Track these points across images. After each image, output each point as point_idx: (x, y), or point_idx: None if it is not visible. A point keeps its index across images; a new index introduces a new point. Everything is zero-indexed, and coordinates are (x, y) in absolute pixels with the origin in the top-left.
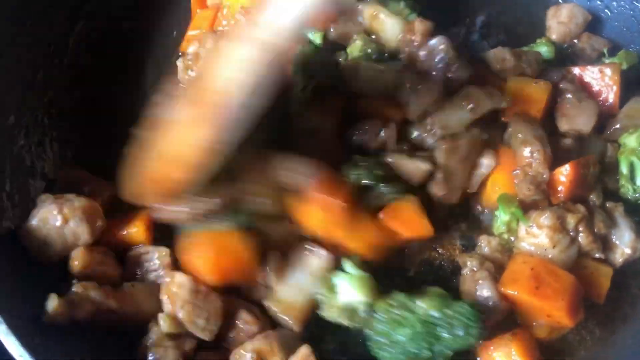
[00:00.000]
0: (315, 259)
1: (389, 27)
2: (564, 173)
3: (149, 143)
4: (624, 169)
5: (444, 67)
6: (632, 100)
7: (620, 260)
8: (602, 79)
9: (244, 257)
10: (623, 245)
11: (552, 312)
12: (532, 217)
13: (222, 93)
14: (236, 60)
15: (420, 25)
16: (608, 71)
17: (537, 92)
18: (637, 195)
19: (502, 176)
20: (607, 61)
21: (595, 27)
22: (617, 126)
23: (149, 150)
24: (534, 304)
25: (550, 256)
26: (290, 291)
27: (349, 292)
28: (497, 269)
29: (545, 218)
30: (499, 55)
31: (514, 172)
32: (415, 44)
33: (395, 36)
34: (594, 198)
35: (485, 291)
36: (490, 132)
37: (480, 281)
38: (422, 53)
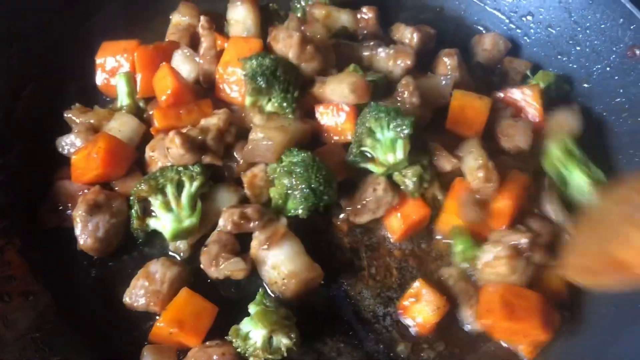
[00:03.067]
0: None
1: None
2: (505, 205)
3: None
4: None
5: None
6: (552, 116)
7: None
8: (525, 100)
9: None
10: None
11: (529, 331)
12: (486, 251)
13: None
14: None
15: (369, 11)
16: (529, 92)
17: (480, 106)
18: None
19: (454, 204)
20: (531, 81)
21: (516, 52)
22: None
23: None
24: (512, 328)
25: (511, 281)
26: None
27: (257, 332)
28: (465, 297)
29: (501, 250)
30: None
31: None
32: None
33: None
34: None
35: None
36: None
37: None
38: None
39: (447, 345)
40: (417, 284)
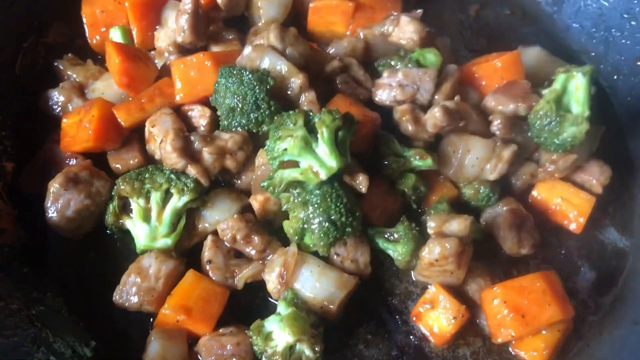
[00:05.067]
0: None
1: None
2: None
3: None
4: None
5: None
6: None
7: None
8: None
9: None
10: None
11: (550, 320)
12: (428, 251)
13: None
14: None
15: None
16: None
17: None
18: None
19: None
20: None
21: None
22: None
23: None
24: (535, 328)
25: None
26: None
27: (282, 336)
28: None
29: (449, 247)
30: None
31: None
32: None
33: None
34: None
35: None
36: None
37: None
38: None
39: (485, 341)
40: (433, 289)
